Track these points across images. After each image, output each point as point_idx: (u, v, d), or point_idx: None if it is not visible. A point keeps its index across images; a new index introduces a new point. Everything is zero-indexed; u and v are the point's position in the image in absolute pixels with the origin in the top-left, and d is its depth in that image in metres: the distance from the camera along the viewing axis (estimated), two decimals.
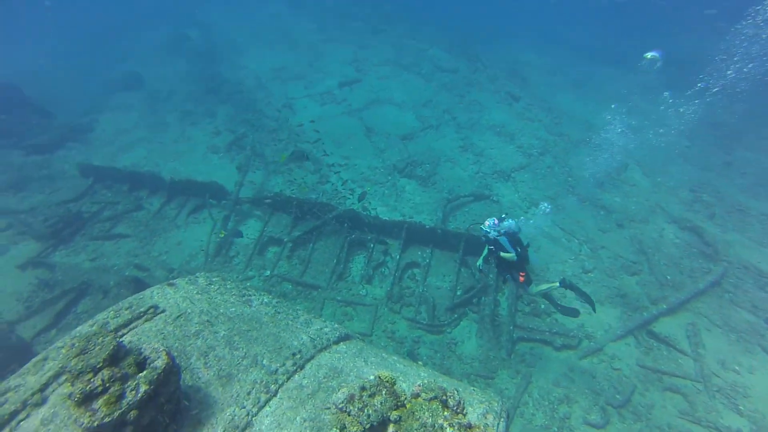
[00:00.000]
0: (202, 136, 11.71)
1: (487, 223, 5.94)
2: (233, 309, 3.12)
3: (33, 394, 2.58)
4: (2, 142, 11.19)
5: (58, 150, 11.35)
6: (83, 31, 21.31)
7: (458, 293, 7.30)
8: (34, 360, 2.88)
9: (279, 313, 3.11)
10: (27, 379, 2.74)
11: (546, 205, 9.47)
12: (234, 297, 3.28)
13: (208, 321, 3.01)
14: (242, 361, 2.64)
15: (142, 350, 2.53)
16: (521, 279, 5.80)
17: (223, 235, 7.88)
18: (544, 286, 6.11)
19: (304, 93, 13.87)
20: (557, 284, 5.95)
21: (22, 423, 2.45)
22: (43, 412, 2.49)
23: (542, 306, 7.11)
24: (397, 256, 7.69)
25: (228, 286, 3.45)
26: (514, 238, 5.84)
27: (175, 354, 2.76)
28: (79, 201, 9.20)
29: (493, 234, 5.75)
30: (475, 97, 14.20)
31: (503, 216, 6.26)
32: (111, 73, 15.92)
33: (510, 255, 5.56)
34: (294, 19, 21.65)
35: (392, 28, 20.29)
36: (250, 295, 3.29)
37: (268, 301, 3.25)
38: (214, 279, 3.63)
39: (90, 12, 24.04)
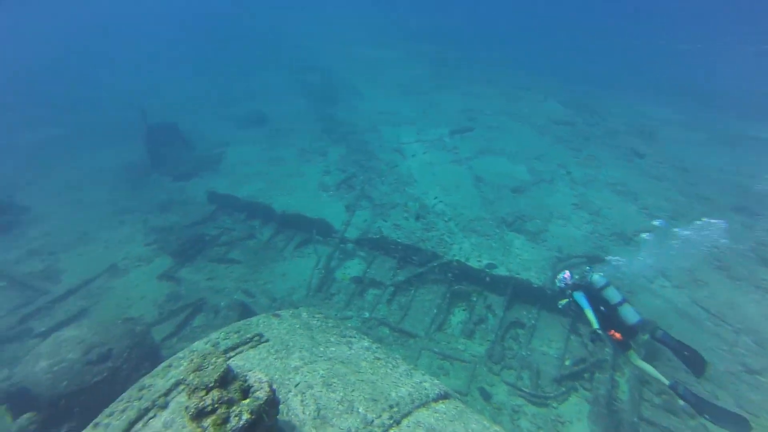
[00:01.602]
0: (315, 173, 12.82)
1: (559, 276, 5.71)
2: (333, 349, 3.25)
3: (159, 397, 2.94)
4: (162, 170, 13.72)
5: (194, 178, 13.41)
6: (219, 71, 25.42)
7: (567, 363, 6.67)
8: (162, 365, 3.32)
9: (378, 359, 3.15)
10: (156, 381, 3.15)
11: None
12: (335, 336, 3.42)
13: (308, 358, 3.17)
14: (338, 405, 2.69)
15: (248, 378, 2.74)
16: (616, 337, 5.18)
17: None
18: (648, 368, 5.32)
19: (415, 138, 14.49)
20: (666, 384, 5.16)
21: (150, 421, 2.78)
22: (165, 415, 2.83)
23: (681, 403, 6.02)
24: (501, 314, 7.35)
25: (329, 324, 3.62)
26: (593, 293, 5.41)
27: (275, 386, 2.95)
28: (204, 224, 10.67)
29: (562, 287, 5.59)
30: (592, 151, 13.48)
31: (587, 269, 5.83)
32: (239, 110, 18.59)
33: (587, 312, 5.19)
34: (410, 66, 23.20)
35: (506, 78, 20.59)
36: (350, 337, 3.40)
37: (368, 345, 3.32)
38: (316, 315, 3.85)
39: (224, 53, 28.71)
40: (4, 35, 36.04)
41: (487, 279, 7.80)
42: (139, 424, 2.83)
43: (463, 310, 7.72)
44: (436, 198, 10.71)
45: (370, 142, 14.45)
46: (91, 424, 2.93)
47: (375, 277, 8.43)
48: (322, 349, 3.26)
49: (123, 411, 2.98)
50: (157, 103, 20.03)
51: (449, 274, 8.03)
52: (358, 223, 9.96)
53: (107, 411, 3.02)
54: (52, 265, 9.69)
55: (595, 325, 5.25)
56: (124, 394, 3.18)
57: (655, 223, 9.93)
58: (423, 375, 3.06)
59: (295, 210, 10.22)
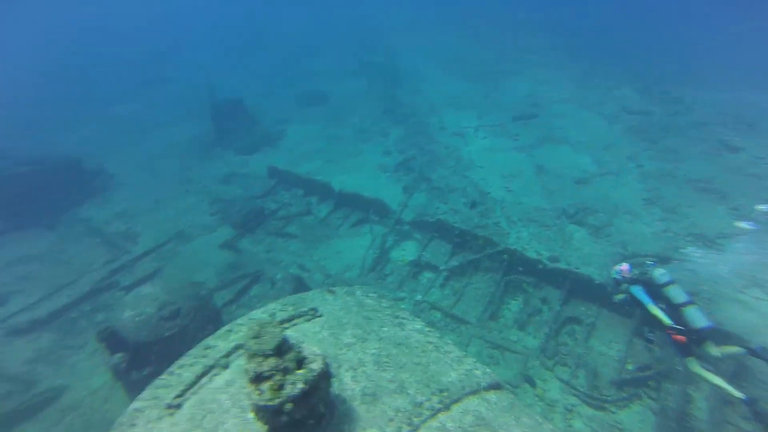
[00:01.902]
0: (374, 154, 12.92)
1: (616, 267, 5.43)
2: (386, 329, 3.33)
3: (221, 357, 3.20)
4: (226, 144, 14.48)
5: (256, 153, 14.01)
6: (285, 51, 26.04)
7: (629, 367, 6.34)
8: (223, 329, 3.60)
9: (430, 342, 3.20)
10: (219, 343, 3.43)
11: None
12: (387, 317, 3.50)
13: (361, 335, 3.28)
14: (389, 384, 2.78)
15: (302, 349, 2.89)
16: (678, 339, 4.82)
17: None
18: (714, 379, 4.87)
19: (476, 123, 14.10)
20: (740, 398, 4.70)
21: (214, 377, 3.05)
22: (226, 374, 3.09)
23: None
24: (558, 308, 7.11)
25: (383, 305, 3.70)
26: (653, 290, 5.08)
27: (328, 360, 3.09)
28: (264, 198, 11.17)
29: (619, 279, 5.28)
30: (671, 144, 12.35)
31: (651, 263, 5.33)
32: (302, 89, 19.03)
33: (651, 308, 4.94)
34: (475, 49, 22.45)
35: (576, 63, 19.33)
36: (403, 318, 3.47)
37: (421, 328, 3.38)
38: (370, 294, 3.95)
39: (288, 34, 29.26)
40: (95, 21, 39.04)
41: (543, 268, 7.55)
42: (205, 379, 3.11)
43: (517, 300, 7.56)
44: (495, 184, 10.45)
45: (430, 124, 14.27)
46: (166, 371, 3.27)
47: (429, 260, 8.45)
48: (374, 328, 3.35)
49: (191, 365, 3.28)
50: (227, 82, 20.97)
51: (504, 263, 7.86)
52: (416, 206, 9.97)
53: (178, 363, 3.34)
54: (132, 228, 10.67)
55: (668, 320, 4.89)
56: (191, 351, 3.49)
57: (745, 225, 8.96)
58: (474, 362, 3.07)
59: (353, 189, 10.39)
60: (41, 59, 30.21)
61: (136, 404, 3.09)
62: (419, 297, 7.73)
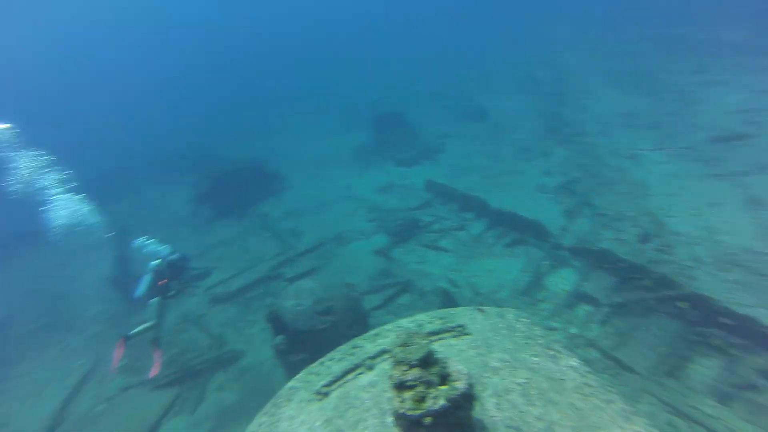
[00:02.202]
0: (534, 173, 12.25)
1: None
2: (536, 360, 3.05)
3: (367, 359, 3.35)
4: (386, 155, 15.51)
5: (415, 165, 14.58)
6: (444, 64, 26.52)
7: None
8: (371, 332, 3.77)
9: (588, 385, 2.80)
10: (366, 344, 3.60)
11: None
12: (539, 347, 3.21)
13: (509, 361, 3.06)
14: (535, 421, 2.52)
15: (448, 365, 2.83)
16: None
17: None
18: None
19: (656, 144, 12.16)
20: None
21: (359, 376, 3.23)
22: (370, 375, 3.22)
23: None
24: None
25: (535, 332, 3.41)
26: None
27: (473, 381, 2.96)
28: (419, 210, 11.51)
29: None
30: None
31: None
32: (462, 104, 19.14)
33: None
34: (659, 57, 19.44)
35: None
36: (557, 352, 3.13)
37: (577, 365, 2.99)
38: (522, 319, 3.67)
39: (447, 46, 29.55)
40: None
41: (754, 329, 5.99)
42: (350, 375, 3.30)
43: (711, 362, 6.12)
44: (679, 216, 8.80)
45: (599, 145, 12.88)
46: (318, 361, 3.58)
47: (589, 292, 7.55)
48: (524, 356, 3.10)
49: (339, 360, 3.52)
50: (389, 94, 22.44)
51: (692, 311, 6.51)
52: (577, 231, 9.07)
53: (329, 356, 3.62)
54: (298, 226, 12.13)
55: None
56: (340, 347, 3.74)
57: None
58: (649, 426, 2.57)
59: (510, 208, 9.98)
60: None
61: (292, 383, 3.45)
62: (575, 330, 6.95)
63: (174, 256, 7.10)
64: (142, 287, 6.96)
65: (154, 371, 6.96)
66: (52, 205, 8.91)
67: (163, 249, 7.33)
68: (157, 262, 7.04)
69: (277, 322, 6.40)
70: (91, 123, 29.18)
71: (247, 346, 8.19)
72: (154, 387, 7.61)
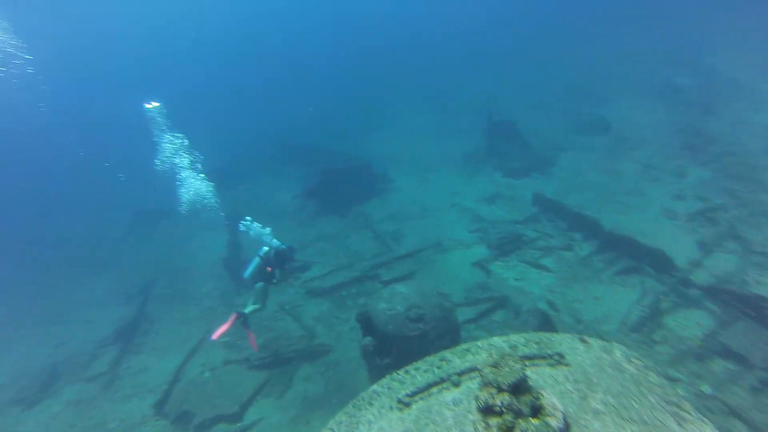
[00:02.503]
0: (660, 196, 10.90)
1: None
2: (651, 413, 2.64)
3: (454, 374, 3.22)
4: (495, 164, 15.00)
5: (524, 177, 13.89)
6: (565, 76, 24.70)
7: None
8: (461, 346, 3.62)
9: None
10: (454, 359, 3.47)
11: None
12: (655, 398, 2.78)
13: (614, 407, 2.71)
14: None
15: (541, 396, 2.60)
16: None
17: None
18: None
19: None
20: None
21: (444, 390, 3.12)
22: (455, 392, 3.09)
23: None
24: None
25: (650, 380, 2.96)
26: None
27: (569, 421, 2.67)
28: (524, 224, 10.95)
29: None
30: None
31: None
32: (582, 114, 17.74)
33: None
34: None
35: None
36: (682, 410, 2.64)
37: None
38: (633, 360, 3.23)
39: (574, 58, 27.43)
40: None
41: None
42: (435, 389, 3.20)
43: None
44: None
45: (759, 167, 11.01)
46: (403, 369, 3.53)
47: (731, 346, 6.40)
48: (635, 405, 2.71)
49: (425, 371, 3.44)
50: (504, 98, 21.66)
51: None
52: (716, 269, 7.84)
53: (415, 365, 3.55)
54: (399, 229, 12.26)
55: None
56: (427, 358, 3.65)
57: None
58: None
59: (627, 232, 8.99)
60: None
61: (375, 387, 3.44)
62: (707, 390, 5.93)
63: (282, 246, 7.60)
64: (249, 270, 7.58)
65: (254, 347, 7.53)
66: (182, 184, 10.20)
67: (266, 232, 7.87)
68: (265, 249, 7.61)
69: (367, 323, 6.52)
70: (225, 110, 32.88)
71: (336, 342, 8.48)
72: (250, 366, 8.27)
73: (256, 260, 7.50)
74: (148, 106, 10.50)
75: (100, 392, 8.92)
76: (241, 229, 7.97)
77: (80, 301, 13.24)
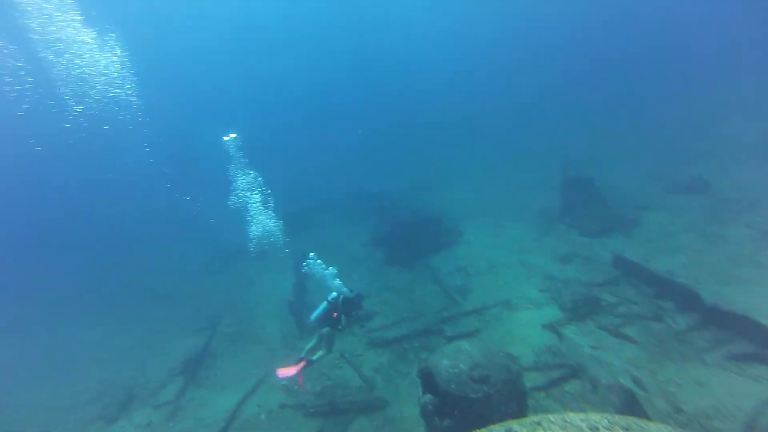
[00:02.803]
0: None
1: None
2: None
3: None
4: (571, 222, 14.24)
5: (602, 237, 12.95)
6: (652, 131, 23.27)
7: None
8: (531, 418, 3.22)
9: None
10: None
11: None
12: None
13: None
14: None
15: None
16: None
17: None
18: None
19: None
20: None
21: None
22: None
23: None
24: None
25: None
26: None
27: None
28: (602, 287, 10.05)
29: None
30: None
31: None
32: (672, 171, 16.44)
33: None
34: None
35: None
36: None
37: None
38: None
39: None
40: None
41: None
42: None
43: None
44: None
45: None
46: None
47: None
48: None
49: None
50: (582, 157, 20.80)
51: None
52: None
53: None
54: (467, 284, 11.83)
55: None
56: (492, 427, 3.30)
57: None
58: None
59: (742, 309, 7.65)
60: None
61: None
62: None
63: (350, 293, 7.58)
64: (316, 314, 7.62)
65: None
66: (253, 223, 10.53)
67: (330, 272, 7.90)
68: (334, 294, 7.63)
69: (428, 380, 6.17)
70: (300, 152, 34.82)
71: (394, 397, 8.09)
72: (305, 413, 8.10)
73: (324, 305, 7.54)
74: (225, 138, 10.82)
75: (164, 421, 9.22)
76: (305, 264, 8.09)
77: (157, 329, 14.11)
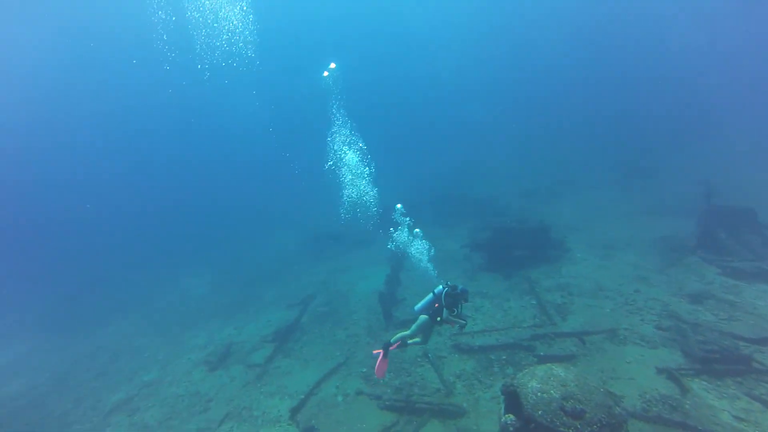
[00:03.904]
0: None
1: None
2: None
3: None
4: (711, 257, 11.98)
5: (757, 281, 10.62)
6: None
7: None
8: None
9: None
10: None
11: None
12: None
13: None
14: None
15: None
16: None
17: None
18: None
19: None
20: None
21: None
22: None
23: None
24: None
25: None
26: None
27: None
28: (749, 343, 8.23)
29: None
30: None
31: None
32: None
33: None
34: None
35: None
36: None
37: None
38: None
39: None
40: None
41: None
42: None
43: None
44: None
45: None
46: None
47: None
48: None
49: None
50: (730, 182, 17.68)
51: None
52: None
53: None
54: (567, 303, 10.74)
55: None
56: None
57: None
58: None
59: None
60: None
61: None
62: None
63: (456, 288, 7.33)
64: (420, 304, 7.51)
65: (378, 372, 7.50)
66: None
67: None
68: (440, 287, 7.45)
69: (512, 399, 5.63)
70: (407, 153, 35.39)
71: (473, 408, 7.59)
72: (380, 404, 8.01)
73: (430, 296, 7.42)
74: (325, 73, 10.94)
75: (254, 380, 9.90)
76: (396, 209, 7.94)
77: (255, 297, 15.42)
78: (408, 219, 7.80)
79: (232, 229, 30.70)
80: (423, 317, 7.33)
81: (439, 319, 7.17)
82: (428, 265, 7.76)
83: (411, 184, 28.13)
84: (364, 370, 9.30)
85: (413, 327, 7.45)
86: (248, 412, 8.83)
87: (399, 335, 7.61)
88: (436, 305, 7.21)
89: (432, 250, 7.80)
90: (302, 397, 8.69)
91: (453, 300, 7.15)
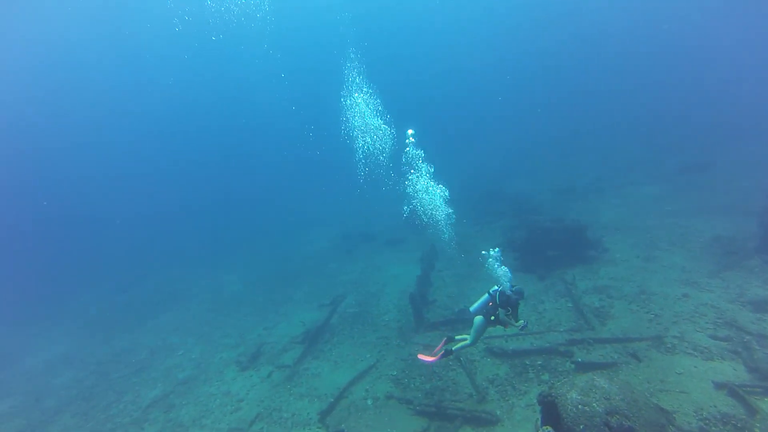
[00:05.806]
0: None
1: None
2: None
3: None
4: None
5: None
6: None
7: None
8: None
9: None
10: None
11: None
12: None
13: None
14: None
15: None
16: None
17: None
18: None
19: None
20: None
21: None
22: None
23: None
24: None
25: None
26: None
27: None
28: None
29: None
30: None
31: None
32: None
33: None
34: None
35: None
36: None
37: None
38: None
39: None
40: None
41: None
42: None
43: None
44: None
45: None
46: None
47: None
48: None
49: None
50: None
51: None
52: None
53: None
54: (606, 308, 10.07)
55: None
56: None
57: None
58: None
59: None
60: None
61: None
62: None
63: (510, 288, 7.06)
64: (476, 304, 7.28)
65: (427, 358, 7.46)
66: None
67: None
68: (495, 288, 7.20)
69: (550, 410, 5.22)
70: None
71: (507, 416, 7.18)
72: (410, 409, 7.72)
73: (485, 296, 7.19)
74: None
75: (283, 381, 9.80)
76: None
77: (283, 297, 15.46)
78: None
79: (269, 226, 31.32)
80: (478, 319, 7.10)
81: (492, 318, 6.96)
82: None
83: (459, 182, 27.53)
84: (395, 373, 9.04)
85: (471, 333, 7.23)
86: (278, 413, 8.74)
87: (461, 345, 7.41)
88: (490, 304, 7.02)
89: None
90: (332, 400, 8.52)
91: (507, 299, 6.89)
